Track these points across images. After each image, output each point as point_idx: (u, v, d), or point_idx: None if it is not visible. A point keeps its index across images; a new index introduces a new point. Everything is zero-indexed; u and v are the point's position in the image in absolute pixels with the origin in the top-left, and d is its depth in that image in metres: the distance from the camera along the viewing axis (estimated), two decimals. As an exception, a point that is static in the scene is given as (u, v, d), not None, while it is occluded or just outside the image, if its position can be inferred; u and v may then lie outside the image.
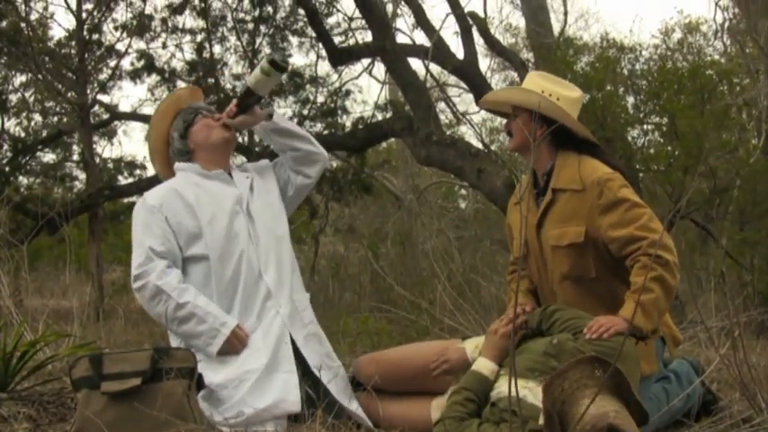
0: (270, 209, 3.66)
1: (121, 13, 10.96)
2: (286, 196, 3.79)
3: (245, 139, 9.90)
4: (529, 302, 3.53)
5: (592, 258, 3.28)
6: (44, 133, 11.97)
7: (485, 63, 15.19)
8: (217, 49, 10.88)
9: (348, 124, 10.34)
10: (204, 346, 3.31)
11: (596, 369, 2.45)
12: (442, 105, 12.87)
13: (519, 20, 20.84)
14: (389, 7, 9.90)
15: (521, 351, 3.12)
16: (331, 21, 10.61)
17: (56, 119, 11.91)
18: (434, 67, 9.66)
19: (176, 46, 11.10)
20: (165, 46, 11.08)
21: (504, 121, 3.59)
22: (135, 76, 11.11)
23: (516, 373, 2.46)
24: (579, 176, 3.28)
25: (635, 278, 3.10)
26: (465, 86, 10.42)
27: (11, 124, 11.81)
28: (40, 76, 10.56)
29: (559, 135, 3.37)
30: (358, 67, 11.60)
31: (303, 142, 3.76)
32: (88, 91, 11.01)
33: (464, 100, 15.21)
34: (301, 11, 10.04)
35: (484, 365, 3.16)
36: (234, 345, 3.32)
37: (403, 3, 9.14)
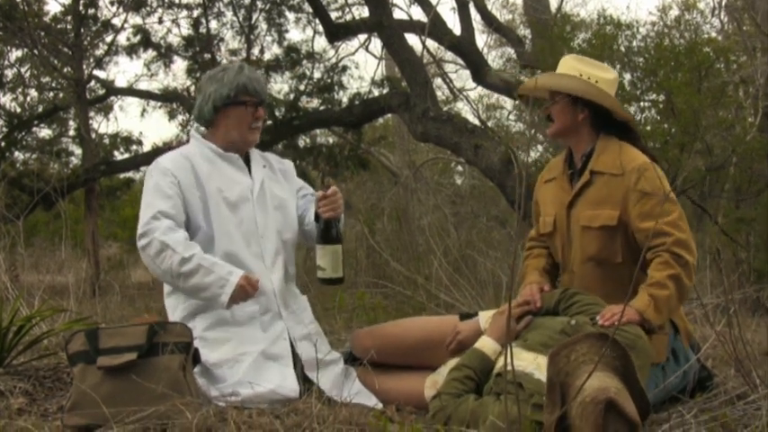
0: (281, 210, 3.57)
1: (117, -12, 10.92)
2: None
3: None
4: (545, 282, 3.54)
5: (620, 243, 3.32)
6: (40, 109, 11.94)
7: (482, 39, 15.19)
8: (213, 24, 10.85)
9: (345, 100, 10.31)
10: (214, 296, 3.21)
11: (605, 348, 2.46)
12: (438, 81, 12.88)
13: (516, -4, 20.76)
14: (386, -18, 9.85)
15: (535, 326, 3.17)
16: (328, -4, 10.57)
17: (52, 94, 11.86)
18: (431, 43, 9.64)
19: (173, 21, 11.08)
20: (161, 21, 11.06)
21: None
22: (131, 51, 11.09)
23: (509, 350, 2.47)
24: (620, 161, 3.32)
25: (653, 272, 3.15)
26: (462, 62, 10.42)
27: (6, 99, 11.81)
28: (35, 51, 10.52)
29: (599, 118, 3.42)
30: (355, 42, 11.60)
31: None
32: (84, 66, 11.00)
33: (461, 76, 15.20)
34: (298, -15, 10.01)
35: (487, 345, 3.18)
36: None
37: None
